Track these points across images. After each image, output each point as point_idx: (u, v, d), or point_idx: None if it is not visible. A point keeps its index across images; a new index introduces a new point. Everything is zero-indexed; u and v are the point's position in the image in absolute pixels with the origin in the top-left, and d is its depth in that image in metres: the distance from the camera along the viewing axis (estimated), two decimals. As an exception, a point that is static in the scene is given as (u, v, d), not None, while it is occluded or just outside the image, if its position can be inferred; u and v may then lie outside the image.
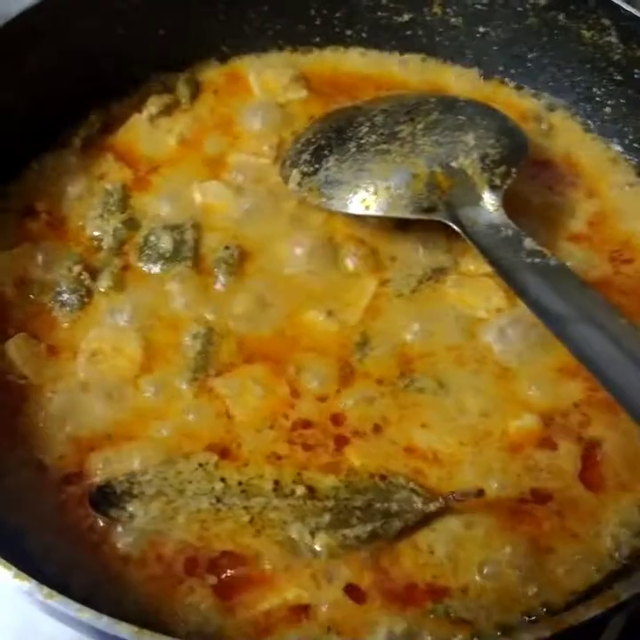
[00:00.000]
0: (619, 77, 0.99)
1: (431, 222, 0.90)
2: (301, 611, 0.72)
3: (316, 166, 0.94)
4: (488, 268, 0.87)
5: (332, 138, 0.96)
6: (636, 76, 0.97)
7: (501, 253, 0.85)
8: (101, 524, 0.76)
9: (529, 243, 0.84)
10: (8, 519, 0.76)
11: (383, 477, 0.78)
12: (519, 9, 1.02)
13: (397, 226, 0.94)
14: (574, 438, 0.81)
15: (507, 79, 1.08)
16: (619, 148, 1.02)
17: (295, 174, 0.95)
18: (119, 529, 0.75)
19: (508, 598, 0.73)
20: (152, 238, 0.93)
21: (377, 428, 0.81)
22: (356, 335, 0.87)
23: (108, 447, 0.80)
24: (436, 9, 1.07)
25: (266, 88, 1.07)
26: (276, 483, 0.77)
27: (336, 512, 0.76)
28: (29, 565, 0.65)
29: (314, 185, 0.93)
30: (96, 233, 0.94)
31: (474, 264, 0.91)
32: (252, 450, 0.80)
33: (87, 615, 0.62)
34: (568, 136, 1.04)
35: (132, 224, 0.95)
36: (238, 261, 0.92)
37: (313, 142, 0.97)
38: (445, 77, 1.09)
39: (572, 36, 1.01)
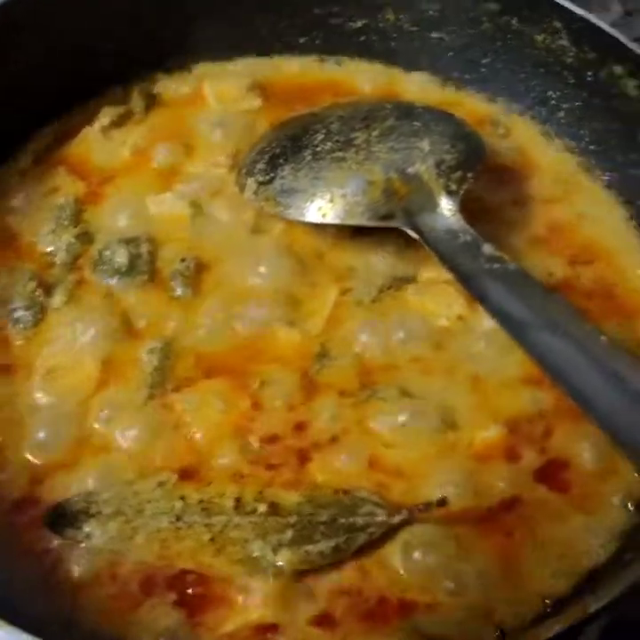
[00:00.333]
0: (572, 80, 1.00)
1: (390, 230, 0.89)
2: (266, 630, 0.70)
3: (272, 175, 0.93)
4: (449, 276, 0.86)
5: (288, 146, 0.95)
6: (588, 78, 0.98)
7: (460, 259, 0.84)
8: (56, 544, 0.73)
9: (488, 248, 0.84)
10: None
11: (346, 492, 0.76)
12: (472, 14, 1.03)
13: (357, 234, 0.93)
14: (538, 447, 0.80)
15: (462, 84, 1.08)
16: (576, 151, 1.02)
17: (251, 183, 0.94)
18: (75, 550, 0.73)
19: (478, 611, 0.71)
20: (107, 253, 0.91)
21: (339, 442, 0.79)
22: (316, 346, 0.85)
23: (63, 468, 0.77)
24: (389, 15, 1.07)
25: (221, 98, 1.06)
26: (238, 500, 0.76)
27: (299, 528, 0.74)
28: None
29: (270, 194, 0.92)
30: (49, 248, 0.92)
31: (434, 271, 0.90)
32: (213, 467, 0.78)
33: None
34: (525, 140, 1.04)
35: (85, 238, 0.93)
36: (195, 274, 0.90)
37: (268, 151, 0.96)
38: (401, 83, 1.09)
39: (525, 41, 1.01)
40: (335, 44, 1.10)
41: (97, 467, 0.77)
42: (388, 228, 0.89)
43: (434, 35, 1.07)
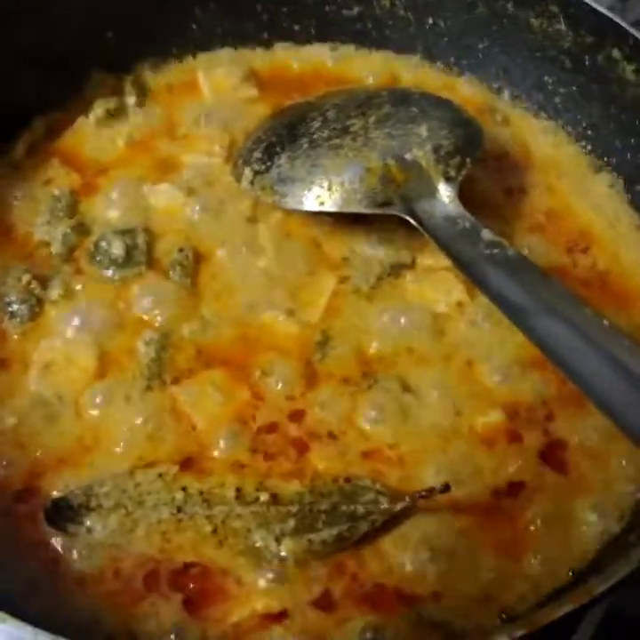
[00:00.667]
0: (569, 65, 0.99)
1: (389, 217, 0.89)
2: (272, 619, 0.70)
3: (269, 164, 0.92)
4: (447, 262, 0.85)
5: (284, 135, 0.94)
6: (586, 63, 0.97)
7: (459, 246, 0.83)
8: (57, 539, 0.73)
9: (487, 234, 0.83)
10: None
11: (347, 480, 0.76)
12: (467, -1, 1.02)
13: (354, 222, 0.92)
14: (540, 431, 0.80)
15: (459, 70, 1.07)
16: (573, 136, 1.02)
17: (247, 173, 0.93)
18: (76, 544, 0.73)
19: (483, 598, 0.71)
20: (103, 244, 0.91)
21: (340, 430, 0.79)
22: (316, 334, 0.85)
23: (63, 462, 0.77)
24: (385, 1, 1.06)
25: (216, 87, 1.05)
26: (239, 490, 0.75)
27: (301, 517, 0.74)
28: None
29: (266, 183, 0.91)
30: (45, 240, 0.91)
31: (433, 258, 0.89)
32: (214, 458, 0.77)
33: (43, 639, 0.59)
34: (522, 126, 1.03)
35: (81, 229, 0.92)
36: (193, 264, 0.90)
37: (264, 140, 0.95)
38: (397, 70, 1.08)
39: (521, 25, 1.00)
40: (330, 31, 1.09)
41: (96, 459, 0.77)
42: (386, 215, 0.88)
43: (429, 20, 1.06)
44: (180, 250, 0.90)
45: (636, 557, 0.64)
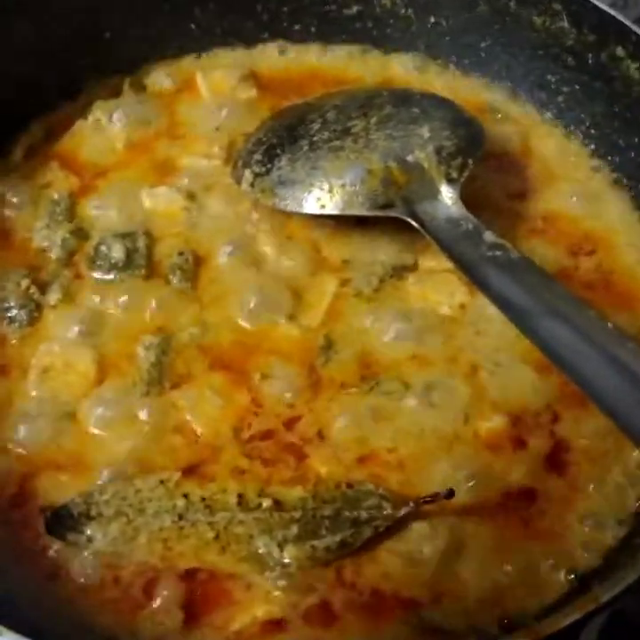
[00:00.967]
0: (572, 63, 0.98)
1: (390, 219, 0.87)
2: (273, 626, 0.70)
3: (269, 166, 0.91)
4: (449, 264, 0.84)
5: (284, 136, 0.93)
6: (589, 61, 0.96)
7: (462, 248, 0.82)
8: (57, 548, 0.72)
9: (489, 236, 0.82)
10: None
11: (350, 485, 0.75)
12: (468, -3, 1.01)
13: (355, 224, 0.91)
14: (545, 434, 0.79)
15: (460, 69, 1.06)
16: (576, 135, 1.01)
17: (247, 175, 0.92)
18: (76, 554, 0.72)
19: (484, 603, 0.71)
20: (103, 248, 0.90)
21: (340, 434, 0.78)
22: (319, 338, 0.84)
23: (60, 468, 0.76)
24: (385, 0, 1.05)
25: (214, 88, 1.04)
26: (240, 497, 0.74)
27: (304, 523, 0.73)
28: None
29: (267, 185, 0.90)
30: (44, 244, 0.91)
31: (435, 260, 0.88)
32: (215, 464, 0.77)
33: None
34: (524, 124, 1.02)
35: (80, 233, 0.92)
36: (193, 267, 0.89)
37: (264, 142, 0.94)
38: (398, 70, 1.07)
39: (523, 23, 0.99)
40: (330, 31, 1.08)
41: (95, 466, 0.76)
42: (388, 217, 0.87)
43: (431, 19, 1.05)
44: (180, 253, 0.90)
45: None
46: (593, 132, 0.99)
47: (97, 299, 0.87)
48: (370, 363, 0.83)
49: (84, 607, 0.70)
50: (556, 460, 0.78)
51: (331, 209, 0.87)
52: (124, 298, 0.86)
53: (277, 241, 0.91)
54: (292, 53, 1.09)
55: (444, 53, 1.06)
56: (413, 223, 0.85)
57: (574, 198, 0.95)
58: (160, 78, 1.06)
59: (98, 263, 0.89)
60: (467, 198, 0.87)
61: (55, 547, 0.72)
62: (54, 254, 0.90)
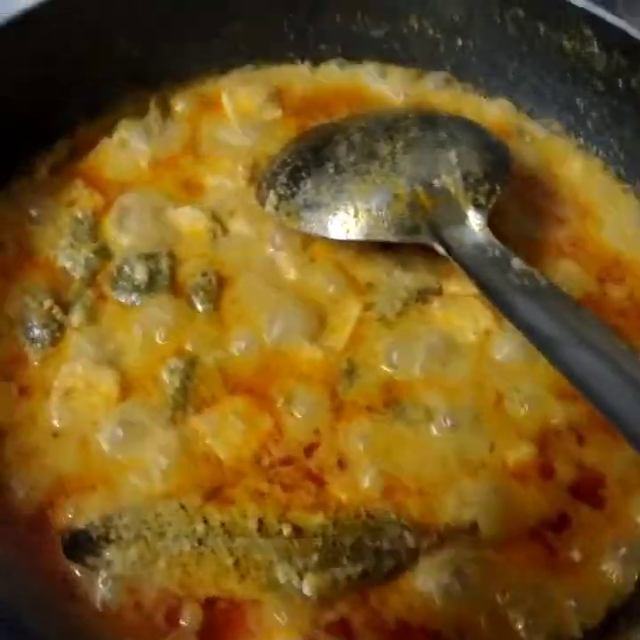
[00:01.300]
0: (602, 88, 0.97)
1: (414, 243, 0.87)
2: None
3: (294, 189, 0.90)
4: (474, 289, 0.83)
5: (309, 159, 0.92)
6: (619, 85, 0.94)
7: (489, 274, 0.81)
8: (77, 572, 0.72)
9: (517, 263, 0.81)
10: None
11: (371, 515, 0.74)
12: (498, 20, 0.99)
13: (379, 247, 0.90)
14: (573, 462, 0.78)
15: (487, 90, 1.05)
16: (604, 159, 1.00)
17: (272, 197, 0.91)
18: (95, 578, 0.72)
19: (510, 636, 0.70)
20: (126, 268, 0.90)
21: (362, 461, 0.78)
22: (342, 362, 0.83)
23: (82, 491, 0.76)
24: (413, 21, 1.04)
25: (239, 108, 1.04)
26: (260, 522, 0.74)
27: (325, 551, 0.72)
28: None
29: (292, 208, 0.89)
30: (67, 263, 0.90)
31: (459, 284, 0.87)
32: (235, 488, 0.76)
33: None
34: (551, 148, 1.01)
35: (104, 253, 0.91)
36: (217, 288, 0.88)
37: (289, 163, 0.93)
38: (424, 90, 1.06)
39: (553, 47, 0.98)
40: (357, 51, 1.07)
41: (116, 489, 0.76)
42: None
43: (459, 41, 1.04)
44: (204, 274, 0.89)
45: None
46: (622, 156, 0.98)
47: (119, 320, 0.86)
48: (393, 388, 0.82)
49: (104, 632, 0.70)
50: (585, 489, 0.77)
51: (356, 234, 0.86)
52: (146, 319, 0.86)
53: (301, 263, 0.90)
54: (317, 72, 1.08)
55: (471, 74, 1.06)
56: (440, 249, 0.85)
57: (602, 223, 0.94)
58: (185, 97, 1.05)
59: (121, 284, 0.89)
60: (493, 223, 0.86)
61: (74, 570, 0.72)
62: (77, 274, 0.90)
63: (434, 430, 0.79)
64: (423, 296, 0.88)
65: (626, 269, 0.92)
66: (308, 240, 0.91)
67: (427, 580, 0.72)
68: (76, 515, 0.74)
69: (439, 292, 0.89)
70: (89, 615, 0.71)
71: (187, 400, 0.80)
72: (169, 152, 1.00)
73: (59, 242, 0.92)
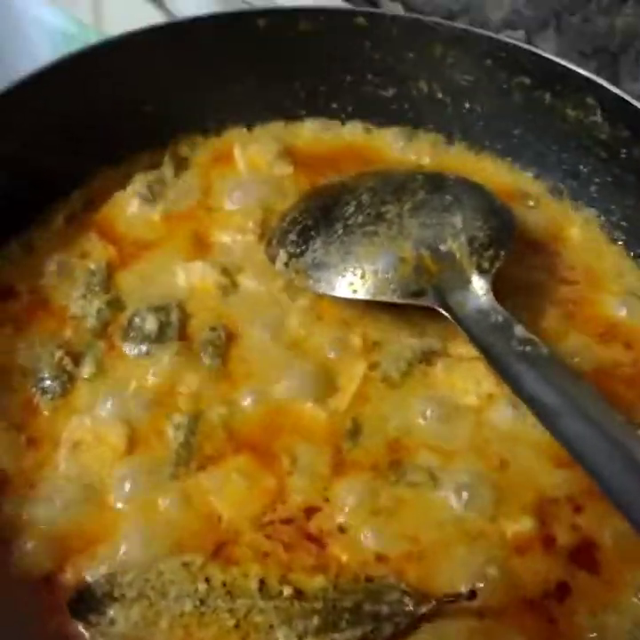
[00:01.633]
0: (605, 156, 0.99)
1: (420, 305, 0.89)
2: None
3: (303, 248, 0.92)
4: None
5: (319, 217, 0.95)
6: (622, 155, 0.97)
7: (491, 340, 0.83)
8: (79, 630, 0.72)
9: (520, 330, 0.83)
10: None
11: (370, 579, 0.75)
12: (504, 86, 1.02)
13: (386, 306, 0.92)
14: (570, 528, 0.79)
15: (492, 153, 1.08)
16: (608, 226, 1.01)
17: (282, 255, 0.93)
18: (97, 636, 0.72)
19: None
20: (137, 320, 0.91)
21: (361, 525, 0.78)
22: (346, 422, 0.85)
23: (87, 548, 0.76)
24: (422, 84, 1.07)
25: (251, 163, 1.06)
26: (262, 582, 0.74)
27: (325, 614, 0.73)
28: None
29: (301, 267, 0.91)
30: (79, 314, 0.92)
31: (463, 347, 0.88)
32: (238, 546, 0.77)
33: None
34: (555, 213, 1.03)
35: (116, 305, 0.93)
36: (225, 343, 0.90)
37: (299, 222, 0.96)
38: (432, 151, 1.09)
39: (557, 115, 1.00)
40: (366, 110, 1.10)
41: (120, 545, 0.76)
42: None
43: (466, 105, 1.06)
44: (213, 329, 0.91)
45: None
46: (624, 224, 1.00)
47: (128, 372, 0.88)
48: (396, 450, 0.83)
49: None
50: (583, 555, 0.78)
51: (362, 294, 0.88)
52: (155, 372, 0.87)
53: (308, 321, 0.92)
54: (328, 130, 1.11)
55: (477, 137, 1.08)
56: (443, 312, 0.86)
57: (604, 291, 0.95)
58: (199, 151, 1.08)
59: (131, 335, 0.90)
60: (496, 287, 0.88)
61: (77, 629, 0.72)
62: (89, 324, 0.91)
63: (435, 496, 0.80)
64: (428, 357, 0.89)
65: (629, 337, 0.92)
66: (316, 297, 0.93)
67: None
68: (81, 570, 0.75)
69: (444, 354, 0.90)
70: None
71: (190, 456, 0.82)
72: (181, 206, 1.02)
73: (72, 292, 0.94)
